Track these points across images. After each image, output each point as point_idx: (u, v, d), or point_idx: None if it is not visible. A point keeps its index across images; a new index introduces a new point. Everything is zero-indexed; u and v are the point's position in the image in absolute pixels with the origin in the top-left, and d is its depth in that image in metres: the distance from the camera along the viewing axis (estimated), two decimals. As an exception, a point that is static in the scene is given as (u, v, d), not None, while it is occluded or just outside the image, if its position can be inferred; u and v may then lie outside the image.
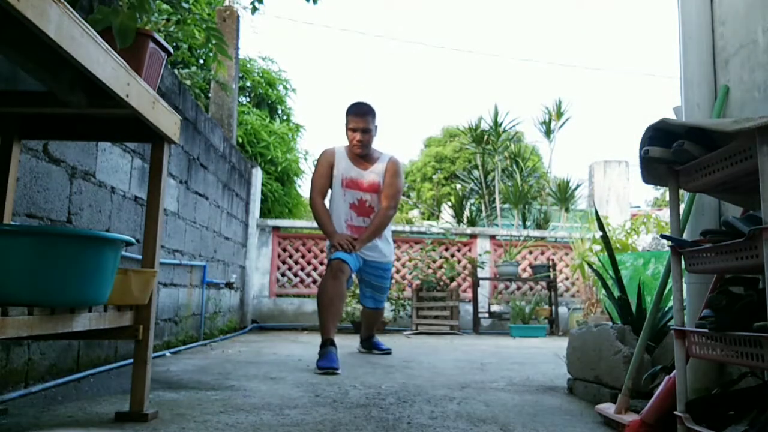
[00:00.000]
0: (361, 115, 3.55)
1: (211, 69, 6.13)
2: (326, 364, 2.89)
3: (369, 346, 3.96)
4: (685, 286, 1.80)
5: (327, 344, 3.06)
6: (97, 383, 2.35)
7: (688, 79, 1.93)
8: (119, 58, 1.43)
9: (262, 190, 6.87)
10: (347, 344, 4.27)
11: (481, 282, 6.54)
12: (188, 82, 6.41)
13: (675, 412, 1.45)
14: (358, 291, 6.15)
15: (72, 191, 2.43)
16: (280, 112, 9.06)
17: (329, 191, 3.69)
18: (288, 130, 8.37)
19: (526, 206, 9.14)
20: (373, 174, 3.62)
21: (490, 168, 9.82)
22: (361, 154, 3.62)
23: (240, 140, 7.25)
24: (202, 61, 7.20)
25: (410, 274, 6.52)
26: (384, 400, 2.14)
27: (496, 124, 9.35)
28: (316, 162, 3.72)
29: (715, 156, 1.35)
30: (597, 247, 6.00)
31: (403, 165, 3.71)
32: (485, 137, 9.56)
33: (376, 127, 3.63)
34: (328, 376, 2.72)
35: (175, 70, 6.36)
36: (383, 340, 5.14)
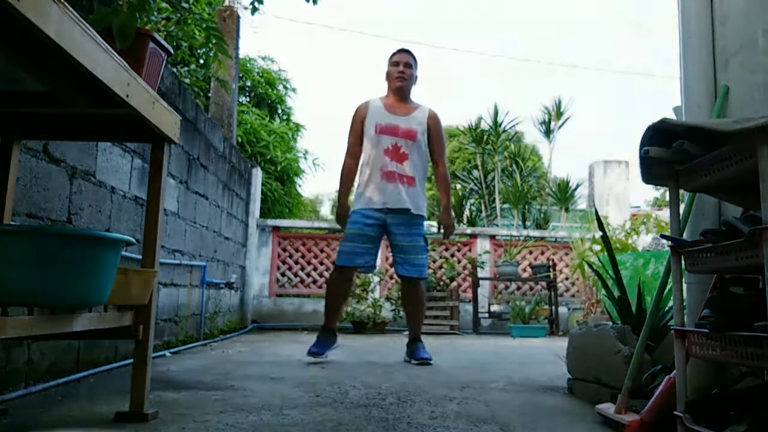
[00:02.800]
0: (405, 53, 3.61)
1: (211, 68, 6.13)
2: (313, 349, 3.30)
3: (410, 351, 3.44)
4: (685, 286, 1.80)
5: (323, 330, 3.44)
6: (97, 383, 2.35)
7: (688, 79, 1.93)
8: (119, 58, 1.43)
9: (262, 190, 6.87)
10: (347, 344, 4.27)
11: (481, 282, 6.54)
12: (187, 81, 6.40)
13: (675, 412, 1.45)
14: (358, 291, 6.17)
15: (72, 191, 2.43)
16: (279, 111, 9.07)
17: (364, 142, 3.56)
18: (288, 129, 8.37)
19: (526, 206, 9.15)
20: (411, 121, 3.51)
21: (489, 168, 9.82)
22: (402, 88, 3.55)
23: (240, 140, 7.25)
24: (202, 61, 7.20)
25: (410, 274, 6.51)
26: (384, 400, 2.14)
27: (496, 124, 9.36)
28: (352, 119, 3.62)
29: (716, 156, 1.35)
30: (597, 247, 6.01)
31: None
32: (485, 137, 9.57)
33: (416, 77, 3.63)
34: (328, 376, 2.73)
35: (175, 69, 6.36)
36: (382, 340, 5.15)
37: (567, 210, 9.22)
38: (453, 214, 3.62)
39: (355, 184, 3.63)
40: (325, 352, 3.33)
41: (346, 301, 3.58)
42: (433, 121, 3.58)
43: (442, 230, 3.65)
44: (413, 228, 3.45)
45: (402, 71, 3.55)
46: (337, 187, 3.64)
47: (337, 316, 3.48)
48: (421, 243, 3.46)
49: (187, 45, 6.47)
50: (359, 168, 3.57)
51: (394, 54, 3.63)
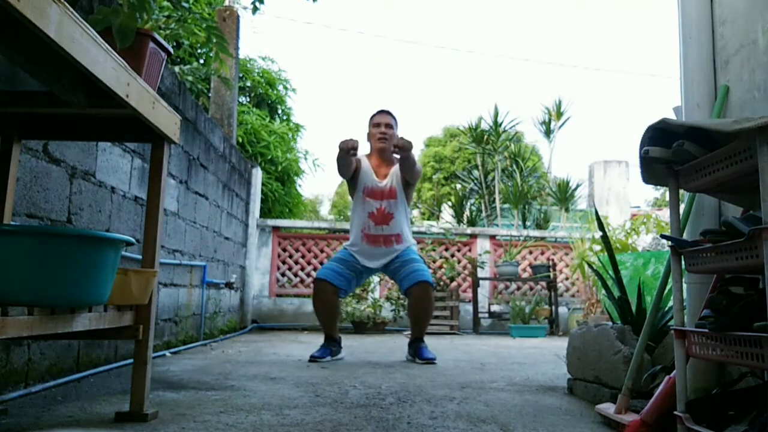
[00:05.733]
0: (384, 113, 3.73)
1: (212, 66, 6.13)
2: (315, 353, 3.40)
3: (414, 351, 3.52)
4: (685, 286, 1.80)
5: (325, 340, 3.54)
6: (97, 383, 2.35)
7: (688, 79, 1.93)
8: (119, 58, 1.43)
9: (262, 190, 6.87)
10: (347, 344, 4.26)
11: (481, 282, 6.54)
12: (190, 78, 6.40)
13: (675, 412, 1.45)
14: (358, 290, 6.17)
15: (72, 191, 2.43)
16: (280, 111, 9.06)
17: (352, 197, 3.75)
18: (288, 129, 8.37)
19: (526, 206, 9.14)
20: (389, 182, 3.64)
21: (490, 168, 9.81)
22: (384, 149, 3.65)
23: (240, 140, 7.25)
24: (202, 61, 7.20)
25: (410, 274, 6.51)
26: (384, 400, 2.14)
27: (496, 124, 9.35)
28: None
29: (715, 156, 1.35)
30: (597, 247, 6.00)
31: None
32: (485, 137, 9.55)
33: (397, 137, 3.64)
34: (328, 376, 2.73)
35: (177, 68, 6.36)
36: (382, 340, 5.15)
37: (567, 210, 9.21)
38: (412, 149, 3.44)
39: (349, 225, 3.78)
40: (326, 357, 3.41)
41: (337, 313, 3.62)
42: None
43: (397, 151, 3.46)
44: (407, 253, 3.61)
45: (384, 132, 3.66)
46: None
47: (332, 326, 3.55)
48: (415, 256, 3.62)
49: (189, 44, 6.47)
50: (351, 217, 3.75)
51: (374, 115, 3.73)
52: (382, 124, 3.67)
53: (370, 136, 3.72)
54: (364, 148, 3.79)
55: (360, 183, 3.65)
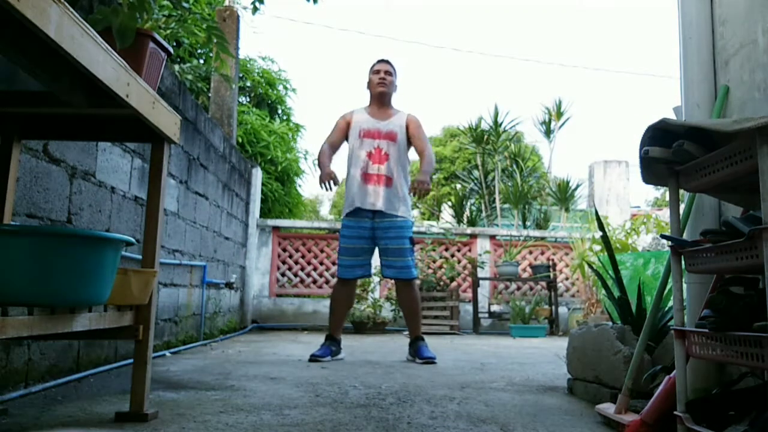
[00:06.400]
0: (384, 62, 3.80)
1: (213, 65, 6.14)
2: (316, 353, 3.41)
3: (414, 351, 3.54)
4: (685, 286, 1.80)
5: (326, 339, 3.57)
6: (97, 383, 2.35)
7: (688, 79, 1.93)
8: (119, 58, 1.43)
9: (262, 190, 6.87)
10: (347, 344, 4.27)
11: (481, 282, 6.54)
12: (190, 77, 6.39)
13: (675, 412, 1.45)
14: (358, 291, 6.17)
15: (72, 191, 2.43)
16: (280, 112, 9.06)
17: (346, 146, 3.75)
18: (288, 129, 8.37)
19: (526, 206, 9.14)
20: (391, 125, 3.68)
21: (490, 168, 9.81)
22: (384, 93, 3.72)
23: (240, 140, 7.25)
24: (202, 61, 7.19)
25: (410, 274, 6.51)
26: (384, 400, 2.14)
27: (496, 124, 9.35)
28: (336, 121, 3.80)
29: (715, 156, 1.35)
30: (597, 247, 6.01)
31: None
32: (485, 137, 9.56)
33: (396, 85, 3.82)
34: (328, 376, 2.73)
35: (176, 66, 6.36)
36: (382, 340, 5.15)
37: (567, 210, 9.21)
38: (429, 178, 3.55)
39: (344, 185, 3.80)
40: (327, 356, 3.42)
41: (351, 306, 3.82)
42: (411, 121, 3.73)
43: (413, 191, 3.52)
44: (398, 231, 3.59)
45: (383, 78, 3.73)
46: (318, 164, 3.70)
47: (340, 323, 3.66)
48: (406, 245, 3.60)
49: (189, 43, 6.47)
50: (347, 170, 3.74)
51: (374, 64, 3.81)
52: (381, 71, 3.75)
53: (369, 84, 3.78)
54: (363, 101, 3.84)
55: (354, 131, 3.68)
